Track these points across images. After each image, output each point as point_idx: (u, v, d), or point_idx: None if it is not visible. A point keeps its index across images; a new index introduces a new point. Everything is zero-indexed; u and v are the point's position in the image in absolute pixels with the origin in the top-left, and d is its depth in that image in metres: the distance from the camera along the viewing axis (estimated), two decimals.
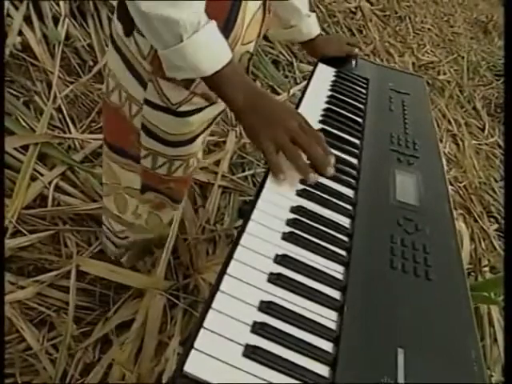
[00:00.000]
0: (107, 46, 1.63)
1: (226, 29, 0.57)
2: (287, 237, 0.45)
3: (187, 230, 1.31)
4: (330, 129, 0.67)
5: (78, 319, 1.00)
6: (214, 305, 0.37)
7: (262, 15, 0.63)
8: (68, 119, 1.38)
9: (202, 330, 0.35)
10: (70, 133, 1.36)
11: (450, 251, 0.49)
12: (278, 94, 2.06)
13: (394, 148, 0.67)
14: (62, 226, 1.15)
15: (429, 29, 4.35)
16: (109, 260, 1.10)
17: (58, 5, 1.58)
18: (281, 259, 0.43)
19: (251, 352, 0.35)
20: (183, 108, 0.66)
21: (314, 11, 0.86)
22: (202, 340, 0.35)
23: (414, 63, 3.55)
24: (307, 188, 0.53)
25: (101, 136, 1.39)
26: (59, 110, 1.39)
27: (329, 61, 0.91)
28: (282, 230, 0.46)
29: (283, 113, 0.56)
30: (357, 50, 0.92)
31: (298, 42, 0.89)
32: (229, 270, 0.40)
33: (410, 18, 4.21)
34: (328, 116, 0.70)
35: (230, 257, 0.41)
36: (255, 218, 0.46)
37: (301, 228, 0.47)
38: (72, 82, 1.48)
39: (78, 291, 1.02)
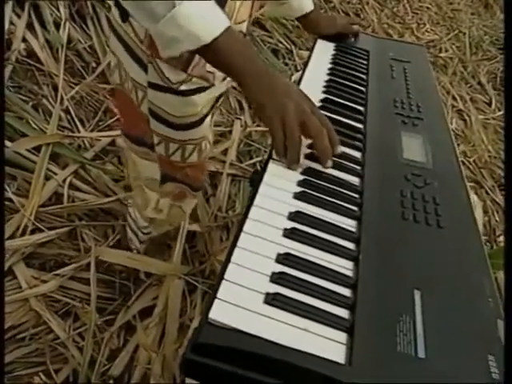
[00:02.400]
0: (108, 46, 1.65)
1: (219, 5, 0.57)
2: (299, 195, 0.46)
3: (200, 219, 1.34)
4: (333, 98, 0.68)
5: (100, 309, 1.03)
6: (233, 259, 0.39)
7: None
8: (76, 119, 1.41)
9: (223, 282, 0.37)
10: (79, 132, 1.39)
11: (459, 201, 0.50)
12: None
13: (399, 112, 0.67)
14: (78, 222, 1.18)
15: (427, 7, 4.29)
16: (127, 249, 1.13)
17: (58, 10, 1.60)
18: (294, 215, 0.44)
19: (272, 299, 0.37)
20: (185, 87, 0.67)
21: None
22: (224, 290, 0.36)
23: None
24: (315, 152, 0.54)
25: (109, 133, 1.42)
26: (67, 111, 1.42)
27: (329, 38, 0.92)
28: (294, 190, 0.47)
29: (294, 92, 0.53)
30: (357, 26, 0.92)
31: (294, 18, 0.90)
32: (245, 228, 0.42)
33: None
34: (331, 86, 0.71)
35: (245, 216, 0.43)
36: (267, 181, 0.47)
37: (311, 187, 0.48)
38: (77, 84, 1.51)
39: (98, 282, 1.05)
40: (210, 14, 0.51)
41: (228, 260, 0.39)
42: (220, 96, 0.80)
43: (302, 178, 0.49)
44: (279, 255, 0.40)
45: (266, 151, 1.66)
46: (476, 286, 0.40)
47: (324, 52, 0.85)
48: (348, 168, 0.53)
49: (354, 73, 0.78)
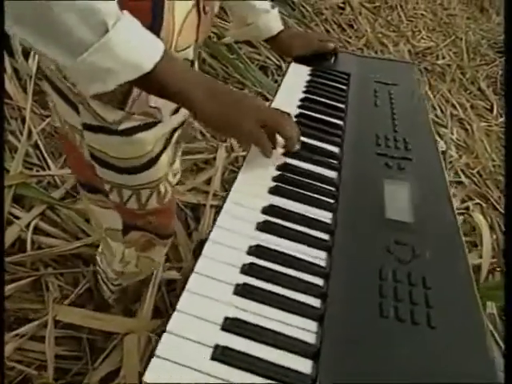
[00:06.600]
0: None
1: (152, 31, 0.48)
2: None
3: (182, 258, 1.23)
4: (302, 138, 0.57)
5: (64, 371, 0.92)
6: (196, 268, 0.36)
7: (196, 17, 0.54)
8: (46, 155, 1.32)
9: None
10: (49, 169, 1.29)
11: (458, 279, 0.39)
12: (269, 100, 1.98)
13: (381, 151, 0.56)
14: (43, 271, 1.08)
15: (422, 14, 4.23)
16: (98, 300, 1.03)
17: None
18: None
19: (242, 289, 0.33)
20: (125, 125, 0.57)
21: (274, 7, 0.78)
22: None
23: (410, 51, 3.44)
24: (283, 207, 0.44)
25: None
26: (36, 146, 1.33)
27: (305, 60, 0.82)
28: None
29: (249, 96, 0.50)
30: (332, 44, 0.83)
31: (262, 41, 0.80)
32: (218, 222, 0.41)
33: (401, 6, 4.11)
34: (300, 123, 0.61)
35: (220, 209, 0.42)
36: (243, 172, 0.46)
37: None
38: (49, 116, 1.42)
39: (61, 339, 0.94)
40: (143, 38, 0.43)
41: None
42: (174, 130, 0.70)
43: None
44: (250, 247, 0.34)
45: None
46: None
47: (297, 79, 0.75)
48: (314, 239, 0.42)
49: (330, 103, 0.68)
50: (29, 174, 1.21)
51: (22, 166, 1.23)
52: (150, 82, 0.44)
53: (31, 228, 1.11)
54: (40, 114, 1.42)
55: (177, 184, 1.01)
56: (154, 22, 0.48)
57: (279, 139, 0.54)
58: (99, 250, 0.94)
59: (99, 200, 0.75)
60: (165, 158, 0.68)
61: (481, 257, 1.47)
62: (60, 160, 1.34)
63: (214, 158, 1.54)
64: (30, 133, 1.33)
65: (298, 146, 0.54)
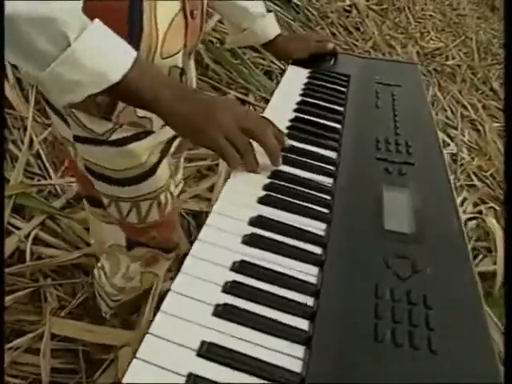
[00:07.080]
0: None
1: (132, 36, 0.46)
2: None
3: None
4: (297, 143, 0.54)
5: None
6: (173, 287, 0.34)
7: (183, 22, 0.51)
8: (47, 164, 1.31)
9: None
10: (51, 178, 1.28)
11: (463, 297, 0.35)
12: None
13: (381, 156, 0.53)
14: (42, 282, 1.06)
15: (431, 15, 4.18)
16: (96, 311, 1.00)
17: None
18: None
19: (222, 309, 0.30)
20: (116, 136, 0.56)
21: (271, 11, 0.75)
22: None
23: (418, 52, 3.39)
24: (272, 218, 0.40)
25: None
26: (37, 155, 1.32)
27: (304, 62, 0.79)
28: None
29: (222, 103, 0.48)
30: (331, 45, 0.80)
31: (259, 46, 0.78)
32: (200, 235, 0.38)
33: (409, 8, 4.07)
34: (296, 127, 0.58)
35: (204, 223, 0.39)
36: (232, 180, 0.45)
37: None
38: (51, 125, 1.41)
39: (58, 352, 0.92)
40: (113, 45, 0.41)
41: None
42: (172, 140, 0.67)
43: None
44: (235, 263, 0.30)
45: None
46: None
47: (294, 81, 0.72)
48: (305, 252, 0.38)
49: (327, 106, 0.65)
50: (29, 184, 1.20)
51: (23, 175, 1.23)
52: (119, 91, 0.42)
53: (31, 238, 1.10)
54: (42, 122, 1.42)
55: (180, 193, 0.98)
56: (132, 24, 0.45)
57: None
58: (98, 264, 0.91)
59: (102, 215, 0.74)
60: (164, 167, 0.66)
61: (495, 263, 1.41)
62: (61, 169, 1.33)
63: (217, 165, 1.52)
64: (31, 142, 1.33)
65: (279, 159, 0.48)
